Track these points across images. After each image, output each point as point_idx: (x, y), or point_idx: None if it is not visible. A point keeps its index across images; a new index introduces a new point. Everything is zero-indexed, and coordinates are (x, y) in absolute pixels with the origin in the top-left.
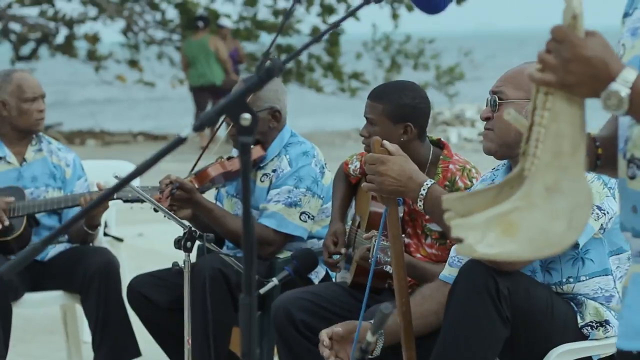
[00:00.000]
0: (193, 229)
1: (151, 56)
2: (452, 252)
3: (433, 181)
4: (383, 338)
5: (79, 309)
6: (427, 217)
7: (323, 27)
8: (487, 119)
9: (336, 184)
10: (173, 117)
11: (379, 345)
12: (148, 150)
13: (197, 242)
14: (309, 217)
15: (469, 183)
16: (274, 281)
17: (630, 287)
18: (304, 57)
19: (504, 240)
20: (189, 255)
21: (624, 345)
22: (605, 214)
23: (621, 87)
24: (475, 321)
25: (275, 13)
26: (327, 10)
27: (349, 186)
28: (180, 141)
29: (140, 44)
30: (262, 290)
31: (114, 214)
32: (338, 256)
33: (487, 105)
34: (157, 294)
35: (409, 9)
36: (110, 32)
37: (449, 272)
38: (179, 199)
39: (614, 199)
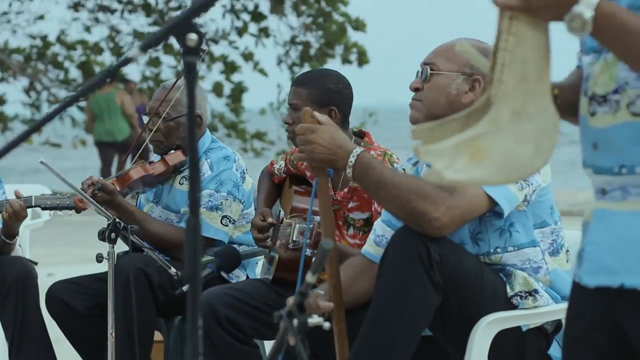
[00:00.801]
0: (117, 220)
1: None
2: (379, 231)
3: (362, 149)
4: None
5: None
6: (349, 206)
7: (226, 84)
8: (416, 90)
9: (261, 181)
10: (78, 176)
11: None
12: None
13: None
14: (230, 221)
15: (390, 167)
16: None
17: (594, 223)
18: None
19: (473, 166)
20: (113, 247)
21: (591, 282)
22: (529, 185)
23: (585, 9)
24: (408, 287)
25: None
26: (230, 68)
27: (274, 184)
28: (126, 61)
29: (42, 103)
30: (184, 288)
31: (27, 237)
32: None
33: (417, 77)
34: (76, 300)
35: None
36: (13, 91)
37: (374, 251)
38: (101, 200)
39: (538, 172)
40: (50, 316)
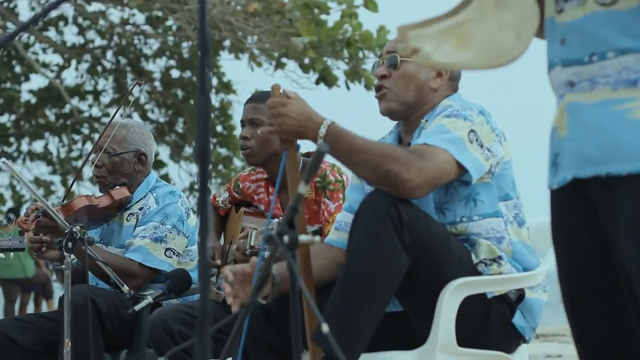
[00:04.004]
0: (74, 230)
1: None
2: (339, 217)
3: (332, 120)
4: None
5: None
6: None
7: None
8: (383, 77)
9: None
10: None
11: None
12: None
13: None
14: (174, 253)
15: (339, 177)
16: (149, 299)
17: (569, 118)
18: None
19: (459, 50)
20: (70, 256)
21: (582, 173)
22: (494, 156)
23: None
24: (379, 246)
25: None
26: None
27: (219, 217)
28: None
29: None
30: (137, 307)
31: None
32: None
33: (377, 67)
34: (21, 335)
35: None
36: None
37: (336, 237)
38: (44, 225)
39: (500, 144)
40: None
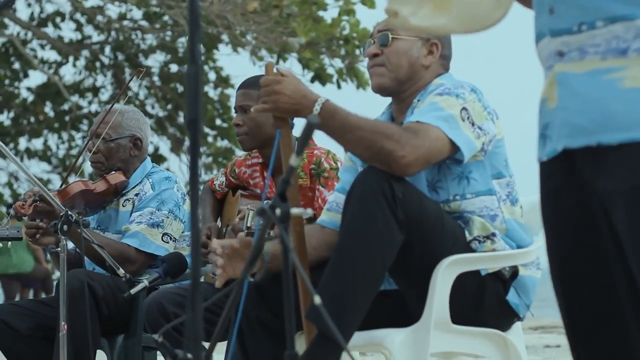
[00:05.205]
0: (70, 213)
1: None
2: (331, 198)
3: (327, 98)
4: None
5: None
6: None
7: None
8: (375, 55)
9: (203, 197)
10: None
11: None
12: None
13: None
14: (170, 238)
15: (333, 164)
16: (145, 282)
17: (559, 88)
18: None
19: (437, 14)
20: (65, 239)
21: (573, 144)
22: (486, 134)
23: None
24: (372, 223)
25: None
26: None
27: (216, 199)
28: None
29: None
30: (133, 291)
31: None
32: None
33: (368, 46)
34: (19, 321)
35: None
36: None
37: (327, 217)
38: (41, 210)
39: (492, 122)
40: None
